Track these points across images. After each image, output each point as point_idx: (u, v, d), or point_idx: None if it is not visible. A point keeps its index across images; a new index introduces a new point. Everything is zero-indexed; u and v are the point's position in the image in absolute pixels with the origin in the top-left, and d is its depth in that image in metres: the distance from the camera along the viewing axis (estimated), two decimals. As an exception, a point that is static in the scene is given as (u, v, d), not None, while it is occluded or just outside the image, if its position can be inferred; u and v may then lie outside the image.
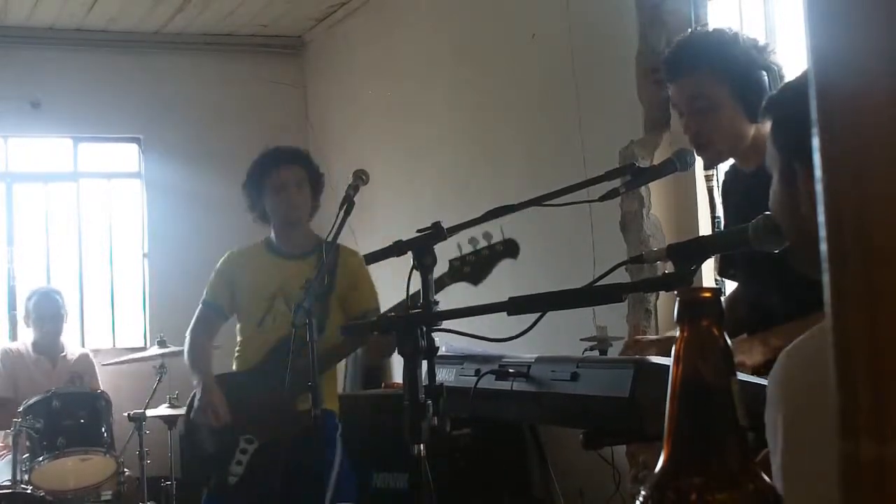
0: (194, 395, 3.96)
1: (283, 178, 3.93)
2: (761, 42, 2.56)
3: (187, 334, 4.09)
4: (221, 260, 4.15)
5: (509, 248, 2.71)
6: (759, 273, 2.51)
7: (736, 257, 2.64)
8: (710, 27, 2.71)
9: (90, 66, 7.17)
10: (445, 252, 2.69)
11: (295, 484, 3.76)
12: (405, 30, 6.37)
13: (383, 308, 3.94)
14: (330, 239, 3.43)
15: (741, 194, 2.58)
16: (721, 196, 2.87)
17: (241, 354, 4.04)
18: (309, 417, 3.22)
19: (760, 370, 2.35)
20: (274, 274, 3.95)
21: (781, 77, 2.45)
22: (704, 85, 2.48)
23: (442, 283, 2.75)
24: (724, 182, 2.85)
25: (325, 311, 3.83)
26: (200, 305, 4.13)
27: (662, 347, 2.36)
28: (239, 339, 4.07)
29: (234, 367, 4.06)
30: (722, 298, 0.87)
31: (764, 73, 2.45)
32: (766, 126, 1.53)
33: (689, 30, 2.66)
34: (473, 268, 2.71)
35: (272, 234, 4.08)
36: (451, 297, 2.73)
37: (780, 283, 2.40)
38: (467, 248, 2.69)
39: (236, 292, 4.07)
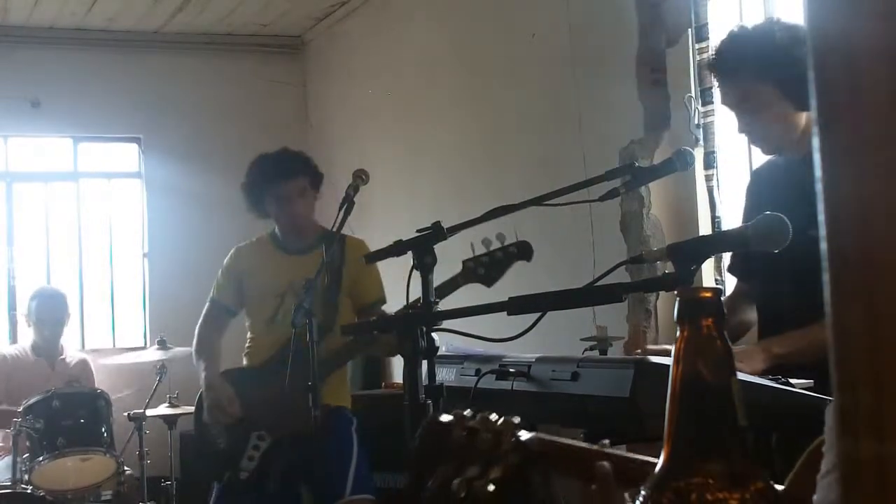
0: (201, 394, 3.97)
1: (287, 191, 3.95)
2: (801, 31, 2.53)
3: (196, 331, 4.12)
4: (228, 256, 4.16)
5: (523, 251, 2.70)
6: (779, 272, 2.49)
7: (755, 256, 2.62)
8: (751, 24, 2.68)
9: (90, 66, 7.17)
10: (458, 253, 2.69)
11: (308, 479, 3.77)
12: (405, 29, 6.36)
13: (385, 309, 3.95)
14: (332, 238, 3.45)
15: (782, 185, 2.55)
16: (747, 191, 2.83)
17: (251, 351, 4.04)
18: (324, 412, 3.23)
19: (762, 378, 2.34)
20: (282, 271, 3.95)
21: None
22: (748, 85, 2.50)
23: (455, 284, 2.75)
24: (757, 177, 2.82)
25: (334, 308, 3.83)
26: (208, 303, 4.17)
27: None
28: (249, 335, 4.08)
29: (244, 364, 4.07)
30: (722, 298, 0.87)
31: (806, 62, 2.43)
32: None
33: (734, 28, 2.66)
34: (487, 269, 2.70)
35: (276, 230, 4.08)
36: (452, 296, 2.73)
37: (799, 283, 2.37)
38: (480, 250, 2.69)
39: (245, 290, 4.09)
